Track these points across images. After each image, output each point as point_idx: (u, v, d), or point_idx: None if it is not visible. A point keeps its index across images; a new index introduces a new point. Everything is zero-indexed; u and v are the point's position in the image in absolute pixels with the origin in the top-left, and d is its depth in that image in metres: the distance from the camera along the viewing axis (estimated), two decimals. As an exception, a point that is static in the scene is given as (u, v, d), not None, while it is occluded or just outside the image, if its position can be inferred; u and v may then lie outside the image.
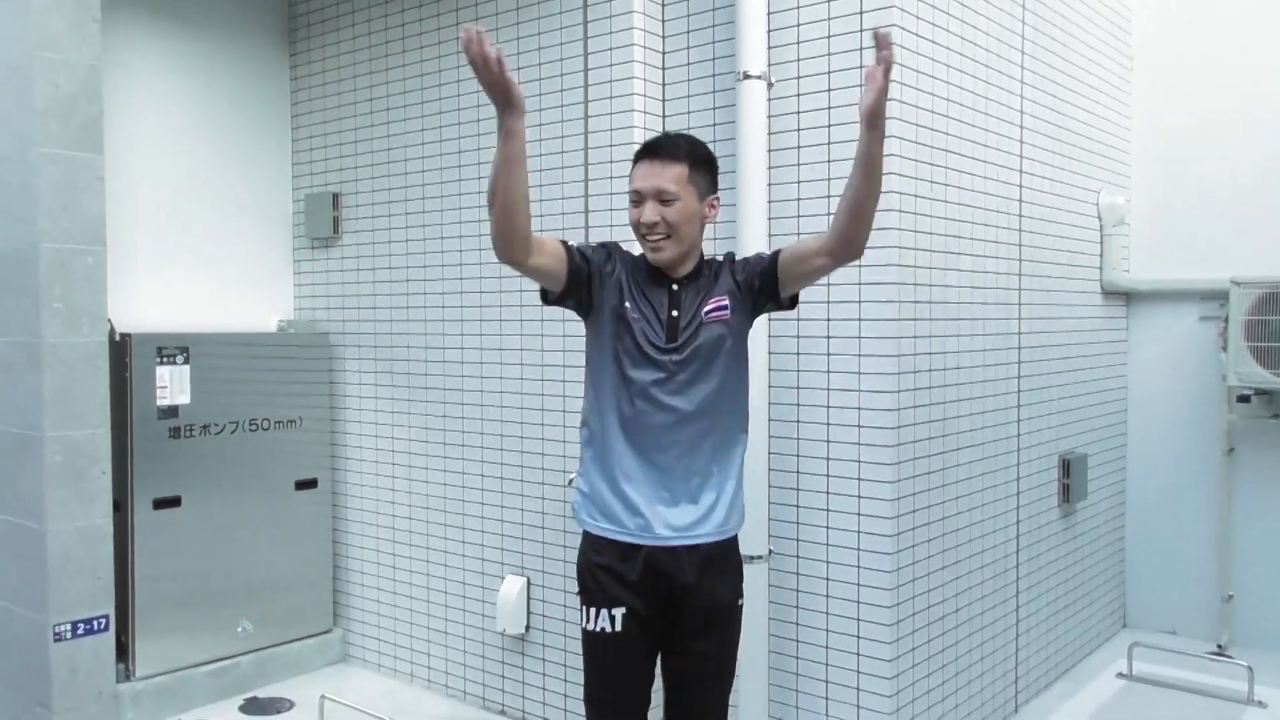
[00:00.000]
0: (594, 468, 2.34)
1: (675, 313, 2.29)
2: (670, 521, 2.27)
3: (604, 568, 2.30)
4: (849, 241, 2.19)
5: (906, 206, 2.98)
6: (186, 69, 4.17)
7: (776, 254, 2.35)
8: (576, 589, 2.41)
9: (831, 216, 2.28)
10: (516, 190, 2.05)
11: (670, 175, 2.21)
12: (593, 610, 2.30)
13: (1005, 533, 3.64)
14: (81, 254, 3.46)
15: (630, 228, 2.31)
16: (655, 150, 2.25)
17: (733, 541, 2.38)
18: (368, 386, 4.21)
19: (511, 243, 2.11)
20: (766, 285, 2.33)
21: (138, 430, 3.69)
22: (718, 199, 2.35)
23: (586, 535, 2.37)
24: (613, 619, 2.27)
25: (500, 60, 1.91)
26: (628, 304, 2.27)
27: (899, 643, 2.99)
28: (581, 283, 2.26)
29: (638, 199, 2.24)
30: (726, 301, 2.32)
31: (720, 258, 2.44)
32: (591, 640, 2.32)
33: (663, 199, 2.21)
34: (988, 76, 3.44)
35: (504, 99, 1.96)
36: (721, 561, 2.34)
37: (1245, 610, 4.39)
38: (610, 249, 2.35)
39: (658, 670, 2.41)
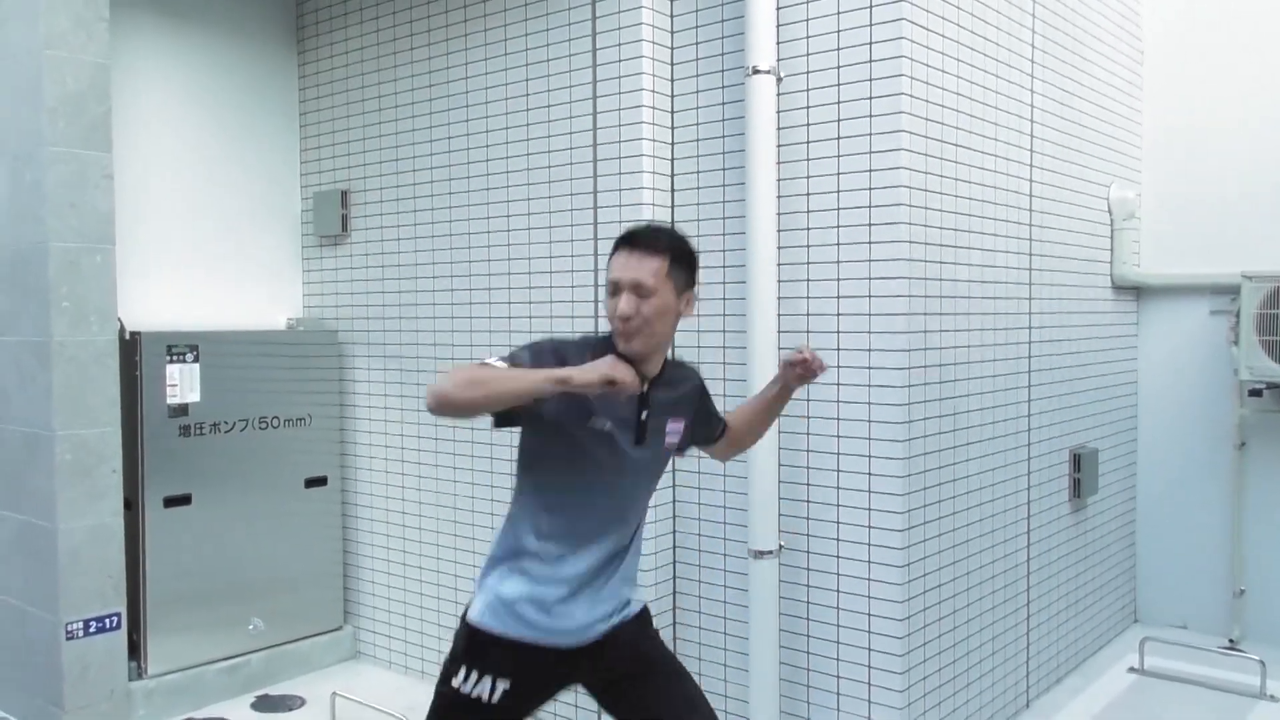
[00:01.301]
0: (515, 572, 2.19)
1: (644, 415, 2.19)
2: (596, 623, 2.21)
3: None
4: (731, 453, 2.56)
5: (916, 201, 2.97)
6: (194, 67, 4.17)
7: (724, 430, 2.46)
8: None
9: (734, 427, 2.47)
10: (504, 405, 2.02)
11: (649, 269, 2.10)
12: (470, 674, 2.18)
13: (1016, 527, 3.63)
14: (90, 252, 3.47)
15: (607, 317, 2.18)
16: (634, 241, 2.15)
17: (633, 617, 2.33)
18: (377, 384, 4.21)
19: (461, 417, 2.20)
20: (707, 438, 2.45)
21: (148, 428, 3.70)
22: (694, 296, 2.23)
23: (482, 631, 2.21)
24: (493, 688, 2.15)
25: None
26: (595, 418, 2.13)
27: (910, 637, 2.99)
28: (517, 416, 2.12)
29: (615, 289, 2.14)
30: (680, 429, 2.28)
31: (684, 366, 2.39)
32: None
33: (640, 292, 2.10)
34: (997, 70, 3.43)
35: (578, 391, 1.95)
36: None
37: (1257, 605, 4.38)
38: (555, 353, 2.12)
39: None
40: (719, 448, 2.50)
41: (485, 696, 2.14)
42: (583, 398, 2.06)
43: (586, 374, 1.91)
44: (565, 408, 2.09)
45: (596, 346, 2.17)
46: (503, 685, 2.13)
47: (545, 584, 2.15)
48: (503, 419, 2.10)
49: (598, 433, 2.13)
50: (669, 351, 2.29)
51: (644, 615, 2.36)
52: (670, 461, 2.50)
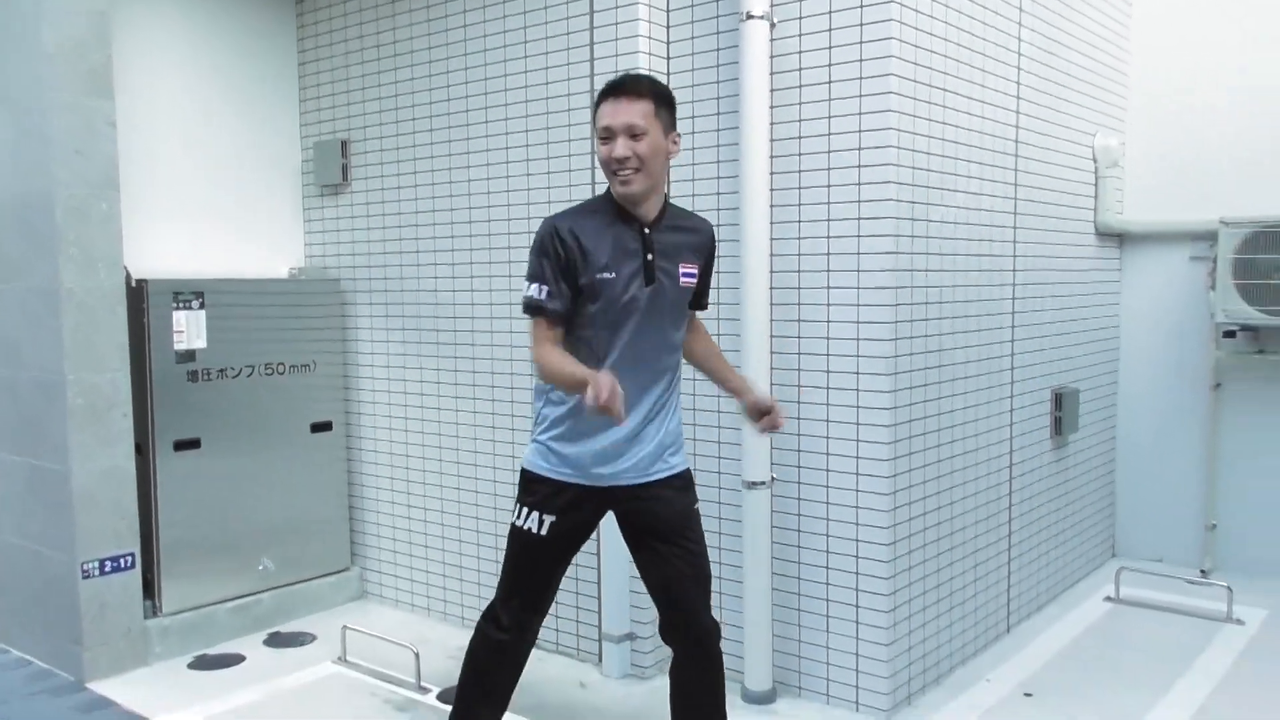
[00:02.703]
0: (554, 422, 2.45)
1: (650, 256, 2.39)
2: (631, 469, 2.44)
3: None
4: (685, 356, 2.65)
5: (905, 144, 3.07)
6: (194, 17, 4.20)
7: (703, 306, 2.61)
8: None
9: (699, 335, 2.67)
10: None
11: (638, 111, 2.31)
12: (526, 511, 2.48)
13: (999, 463, 3.77)
14: (96, 200, 3.53)
15: (600, 164, 2.38)
16: (621, 88, 2.34)
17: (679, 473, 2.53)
18: (379, 330, 4.30)
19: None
20: (692, 303, 2.56)
21: (156, 374, 3.79)
22: (679, 135, 2.45)
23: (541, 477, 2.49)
24: (541, 523, 2.45)
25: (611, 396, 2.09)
26: (602, 273, 2.33)
27: (895, 561, 3.14)
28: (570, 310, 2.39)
29: (607, 135, 2.33)
30: (696, 271, 2.48)
31: (698, 219, 2.57)
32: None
33: (633, 134, 2.30)
34: (985, 17, 3.51)
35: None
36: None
37: (1227, 538, 4.56)
38: (558, 236, 2.34)
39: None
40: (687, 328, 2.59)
41: (535, 529, 2.43)
42: (595, 255, 2.33)
43: (595, 396, 2.07)
44: (582, 267, 2.34)
45: (598, 207, 2.43)
46: (549, 519, 2.43)
47: (579, 430, 2.40)
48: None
49: (608, 280, 2.35)
50: (664, 192, 2.46)
51: (683, 480, 2.52)
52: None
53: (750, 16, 3.11)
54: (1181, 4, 4.59)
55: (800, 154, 3.18)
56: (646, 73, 2.64)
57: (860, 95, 3.04)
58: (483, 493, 3.98)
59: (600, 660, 3.60)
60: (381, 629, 3.86)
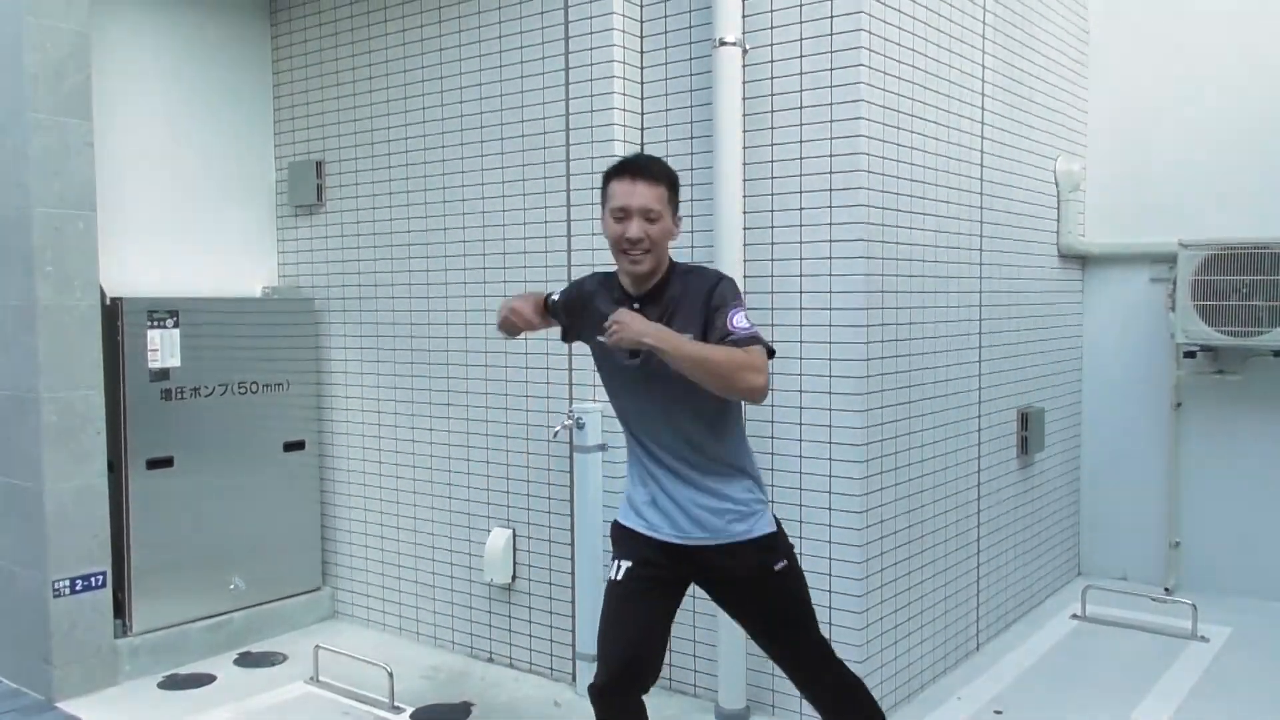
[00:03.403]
0: (627, 469, 2.57)
1: None
2: (678, 528, 2.42)
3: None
4: None
5: (874, 168, 3.14)
6: (170, 38, 4.22)
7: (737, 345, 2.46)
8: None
9: None
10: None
11: (655, 195, 2.36)
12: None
13: (967, 481, 3.84)
14: (73, 219, 3.54)
15: (609, 241, 2.38)
16: (639, 170, 2.38)
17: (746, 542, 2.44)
18: (353, 350, 4.31)
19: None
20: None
21: (130, 392, 3.78)
22: (680, 219, 2.48)
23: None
24: (619, 568, 2.47)
25: (517, 312, 2.38)
26: (600, 336, 2.37)
27: (868, 580, 3.18)
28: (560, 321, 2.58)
29: (623, 215, 2.35)
30: (693, 334, 2.36)
31: (704, 274, 2.47)
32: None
33: (649, 217, 2.35)
34: (951, 45, 3.61)
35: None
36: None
37: (1191, 555, 4.65)
38: (579, 283, 2.58)
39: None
40: None
41: (614, 575, 2.47)
42: (592, 319, 2.43)
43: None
44: (586, 328, 2.49)
45: (610, 278, 2.52)
46: (625, 564, 2.47)
47: (633, 485, 2.51)
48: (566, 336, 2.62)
49: (601, 345, 2.40)
50: (664, 267, 2.44)
51: (756, 545, 2.41)
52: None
53: (723, 43, 3.18)
54: (1137, 32, 4.72)
55: (773, 177, 3.24)
56: (655, 156, 2.66)
57: (831, 120, 3.12)
58: (456, 512, 3.99)
59: (574, 679, 3.61)
60: (354, 649, 3.85)
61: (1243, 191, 4.46)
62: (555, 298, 2.56)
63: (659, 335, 2.23)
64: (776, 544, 2.46)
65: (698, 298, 2.37)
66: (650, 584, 2.45)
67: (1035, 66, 4.32)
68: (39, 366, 3.46)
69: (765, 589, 2.44)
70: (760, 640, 2.53)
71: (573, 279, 2.61)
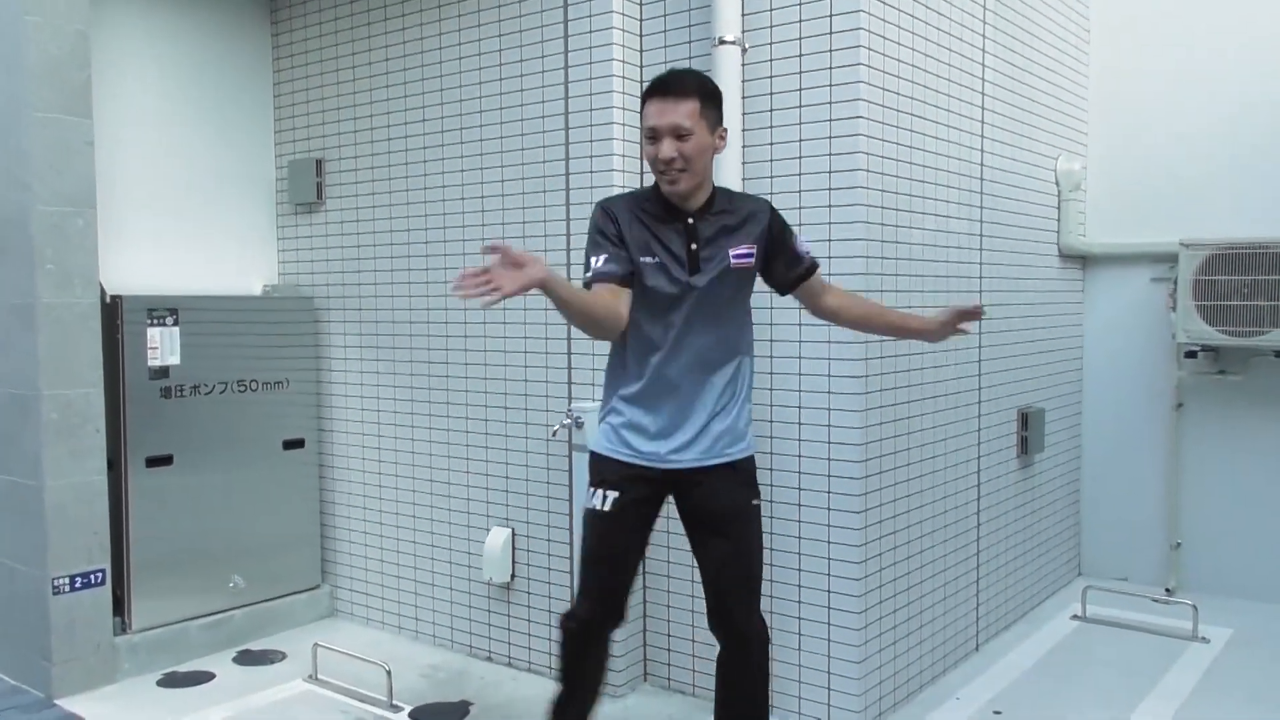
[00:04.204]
0: (615, 397, 2.55)
1: (694, 246, 2.44)
2: (684, 452, 2.48)
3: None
4: (842, 322, 2.74)
5: (873, 167, 3.14)
6: (171, 35, 4.23)
7: (811, 269, 2.57)
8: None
9: (851, 298, 2.70)
10: (574, 315, 2.37)
11: (684, 111, 2.35)
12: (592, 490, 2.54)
13: (967, 481, 3.83)
14: (73, 216, 3.54)
15: (648, 163, 2.44)
16: (667, 87, 2.38)
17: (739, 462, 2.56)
18: (352, 348, 4.31)
19: (608, 328, 2.42)
20: (781, 280, 2.58)
21: (130, 390, 3.78)
22: (725, 130, 2.49)
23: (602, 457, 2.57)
24: (605, 499, 2.50)
25: (503, 252, 2.12)
26: (645, 257, 2.43)
27: (866, 580, 3.18)
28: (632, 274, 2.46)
29: (654, 135, 2.38)
30: (753, 251, 2.48)
31: (753, 199, 2.59)
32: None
33: (679, 134, 2.35)
34: (951, 44, 3.60)
35: (517, 282, 2.12)
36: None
37: (1192, 556, 4.64)
38: (609, 214, 2.47)
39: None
40: (811, 301, 2.63)
41: (599, 505, 2.48)
42: (635, 241, 2.41)
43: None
44: (634, 248, 2.42)
45: (647, 196, 2.48)
46: (611, 495, 2.49)
47: (636, 412, 2.48)
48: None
49: (651, 265, 2.41)
50: (712, 184, 2.50)
51: (743, 474, 2.53)
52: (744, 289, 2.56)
53: (722, 42, 3.18)
54: (1137, 30, 4.71)
55: (772, 176, 3.24)
56: (692, 69, 2.67)
57: (830, 119, 3.11)
58: (455, 511, 3.99)
59: (573, 677, 3.61)
60: (353, 647, 3.85)
61: (1245, 191, 4.45)
62: (601, 259, 2.40)
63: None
64: (755, 475, 2.58)
65: (757, 221, 2.48)
66: (635, 515, 2.53)
67: (1036, 65, 4.31)
68: (39, 364, 3.46)
69: (739, 520, 2.52)
70: (710, 571, 2.55)
71: (588, 230, 2.50)
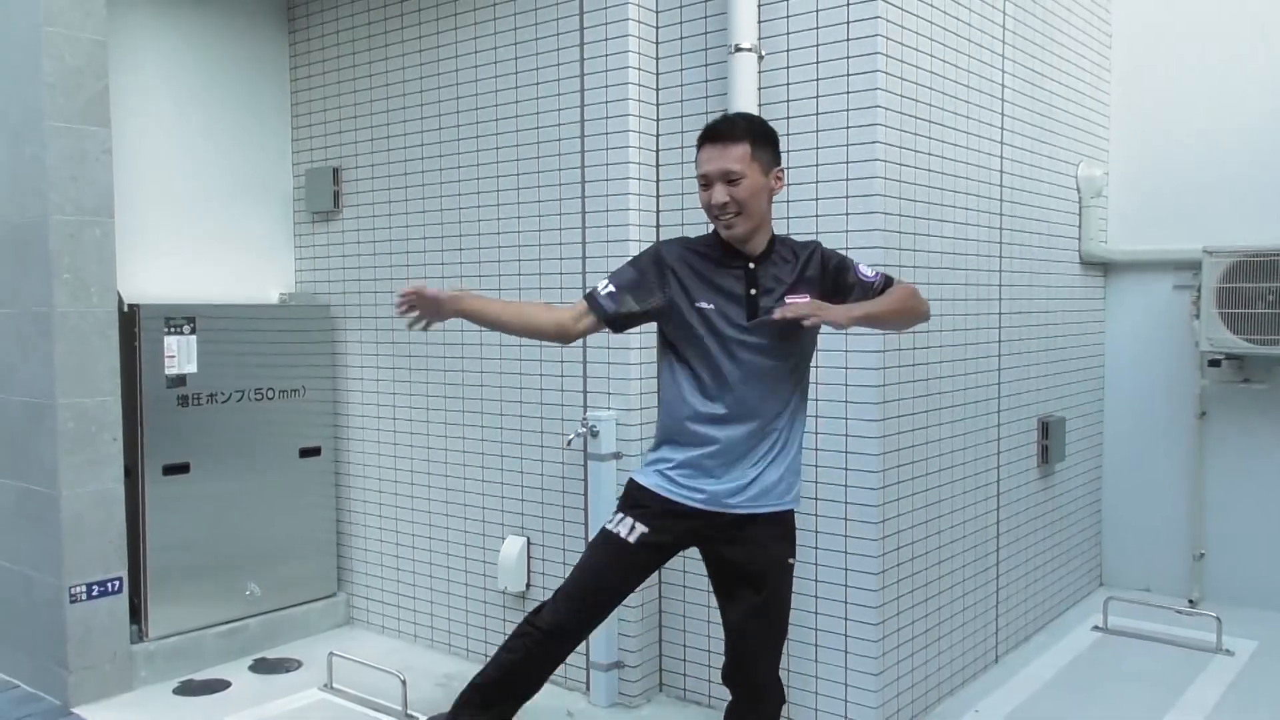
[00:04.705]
0: (667, 440, 2.50)
1: (754, 291, 2.41)
2: (732, 498, 2.43)
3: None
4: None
5: (891, 175, 3.11)
6: (187, 45, 4.25)
7: (885, 287, 2.49)
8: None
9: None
10: (513, 330, 2.55)
11: (734, 156, 2.34)
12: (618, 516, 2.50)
13: (986, 491, 3.79)
14: (90, 226, 3.56)
15: (704, 210, 2.43)
16: (716, 134, 2.38)
17: (782, 513, 2.51)
18: (369, 356, 4.31)
19: (545, 339, 2.60)
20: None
21: (147, 398, 3.79)
22: (782, 171, 2.47)
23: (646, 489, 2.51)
24: (632, 529, 2.46)
25: (412, 294, 2.35)
26: (700, 303, 2.40)
27: (884, 591, 3.14)
28: (633, 317, 2.47)
29: (706, 182, 2.38)
30: (809, 299, 2.41)
31: (803, 242, 2.54)
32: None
33: (730, 179, 2.34)
34: (970, 50, 3.57)
35: (438, 311, 2.40)
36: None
37: (1216, 567, 4.57)
38: (656, 258, 2.46)
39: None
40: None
41: (624, 534, 2.44)
42: (692, 287, 2.41)
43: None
44: (678, 295, 2.41)
45: (709, 241, 2.48)
46: (641, 529, 2.44)
47: (685, 455, 2.43)
48: (618, 326, 2.51)
49: (702, 312, 2.39)
50: (770, 227, 2.49)
51: (782, 527, 2.49)
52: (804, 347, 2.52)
53: (739, 49, 3.16)
54: (1160, 35, 4.66)
55: (788, 184, 3.21)
56: (745, 112, 2.66)
57: (848, 127, 3.09)
58: (471, 519, 3.98)
59: (588, 689, 3.59)
60: (368, 656, 3.84)
61: (1270, 196, 4.39)
62: (607, 291, 2.45)
63: (863, 310, 2.33)
64: (794, 535, 2.54)
65: (814, 265, 2.46)
66: (648, 558, 2.50)
67: (1057, 71, 4.27)
68: (56, 373, 3.47)
69: (773, 576, 2.47)
70: (735, 623, 2.50)
71: (635, 255, 2.52)
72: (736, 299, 2.40)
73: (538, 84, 3.65)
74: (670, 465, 2.46)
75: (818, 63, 3.14)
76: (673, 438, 2.47)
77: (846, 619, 3.16)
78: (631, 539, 2.43)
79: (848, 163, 3.09)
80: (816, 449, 3.19)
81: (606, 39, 3.43)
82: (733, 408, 2.40)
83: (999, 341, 3.86)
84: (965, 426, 3.62)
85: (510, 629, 3.80)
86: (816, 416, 3.18)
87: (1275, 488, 4.43)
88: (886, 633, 3.16)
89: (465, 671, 3.86)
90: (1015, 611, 4.04)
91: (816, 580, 3.22)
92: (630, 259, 2.52)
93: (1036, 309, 4.18)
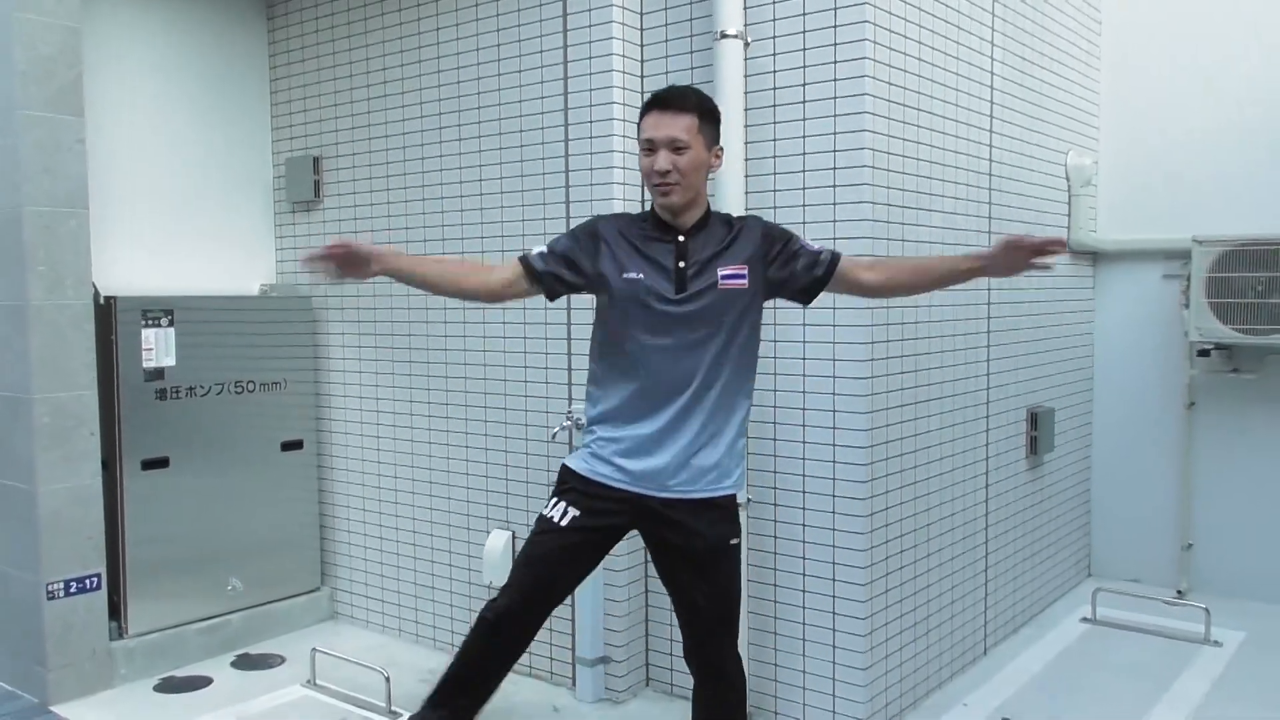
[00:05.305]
0: (595, 418, 2.48)
1: (682, 264, 2.39)
2: (662, 478, 2.40)
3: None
4: (894, 293, 2.68)
5: (879, 163, 3.06)
6: (164, 33, 4.17)
7: (833, 263, 2.45)
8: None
9: (893, 265, 2.66)
10: (440, 291, 2.49)
11: (681, 125, 2.34)
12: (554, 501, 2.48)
13: (975, 483, 3.76)
14: (65, 217, 3.49)
15: (643, 175, 2.42)
16: (666, 102, 2.38)
17: (719, 498, 2.47)
18: (351, 348, 4.26)
19: (475, 300, 2.61)
20: (805, 286, 2.47)
21: (125, 392, 3.73)
22: (721, 149, 2.48)
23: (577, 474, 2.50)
24: (565, 513, 2.44)
25: (340, 247, 2.29)
26: (628, 273, 2.39)
27: (872, 584, 3.11)
28: (563, 282, 2.46)
29: (650, 147, 2.37)
30: (745, 272, 2.40)
31: (744, 218, 2.54)
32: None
33: (675, 147, 2.33)
34: (959, 37, 3.52)
35: (363, 269, 2.33)
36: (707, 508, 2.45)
37: (1204, 558, 4.56)
38: (592, 230, 2.47)
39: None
40: (855, 287, 2.50)
41: (556, 518, 2.42)
42: (621, 257, 2.39)
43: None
44: (608, 265, 2.39)
45: (644, 217, 2.47)
46: (573, 512, 2.43)
47: (613, 432, 2.42)
48: (548, 288, 2.46)
49: (632, 281, 2.36)
50: (707, 203, 2.48)
51: (722, 511, 2.43)
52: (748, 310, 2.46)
53: (724, 35, 3.10)
54: (1150, 22, 4.62)
55: (775, 173, 3.17)
56: (693, 86, 2.62)
57: (835, 115, 3.04)
58: (455, 513, 3.94)
59: (574, 684, 3.56)
60: (352, 651, 3.80)
61: (1260, 186, 4.36)
62: (540, 251, 2.46)
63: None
64: (737, 513, 2.48)
65: (751, 241, 2.42)
66: (592, 541, 2.46)
67: (1046, 59, 4.23)
68: (31, 367, 3.41)
69: (718, 558, 2.43)
70: (684, 608, 2.47)
71: (570, 228, 2.53)
72: (665, 271, 2.39)
73: (520, 70, 3.59)
74: (599, 444, 2.45)
75: (804, 50, 3.09)
76: (602, 415, 2.46)
77: (834, 612, 3.13)
78: (564, 523, 2.42)
79: (835, 151, 3.05)
80: (805, 441, 3.16)
81: (590, 25, 3.37)
82: (661, 384, 2.38)
83: (988, 332, 3.83)
84: (954, 418, 3.59)
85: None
86: (804, 409, 3.15)
87: (1264, 478, 4.41)
88: (875, 626, 3.13)
89: (450, 667, 3.84)
90: (1004, 603, 4.02)
91: (804, 574, 3.19)
92: (569, 229, 2.53)
93: (1025, 299, 4.15)
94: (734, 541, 2.47)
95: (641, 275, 2.38)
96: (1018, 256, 2.33)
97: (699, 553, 2.43)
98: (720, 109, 3.06)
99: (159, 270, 4.12)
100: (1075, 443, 4.68)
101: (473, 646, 2.50)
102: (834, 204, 3.06)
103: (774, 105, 3.15)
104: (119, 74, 4.02)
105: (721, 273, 2.38)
